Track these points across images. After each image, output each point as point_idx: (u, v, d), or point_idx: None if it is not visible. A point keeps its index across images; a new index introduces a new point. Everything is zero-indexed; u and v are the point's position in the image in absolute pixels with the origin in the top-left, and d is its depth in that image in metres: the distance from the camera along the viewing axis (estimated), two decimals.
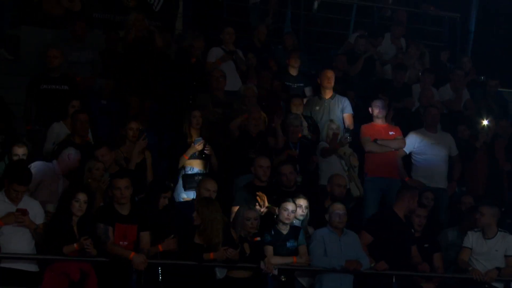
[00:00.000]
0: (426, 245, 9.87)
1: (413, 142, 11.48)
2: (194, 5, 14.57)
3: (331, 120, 11.50)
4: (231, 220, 9.23)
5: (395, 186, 10.88)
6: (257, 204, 9.52)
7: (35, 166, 9.20)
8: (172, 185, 9.44)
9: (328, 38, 15.55)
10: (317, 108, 12.00)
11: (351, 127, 11.79)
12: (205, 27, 13.71)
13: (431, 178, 11.30)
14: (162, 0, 14.03)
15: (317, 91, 12.33)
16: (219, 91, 11.67)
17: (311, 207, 9.70)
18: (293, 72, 12.81)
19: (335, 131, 11.15)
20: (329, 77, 12.08)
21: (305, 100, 12.13)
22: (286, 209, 9.21)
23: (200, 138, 10.43)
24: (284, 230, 9.24)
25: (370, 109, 11.68)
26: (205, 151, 10.43)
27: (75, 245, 8.39)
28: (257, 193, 9.61)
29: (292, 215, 9.25)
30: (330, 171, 10.77)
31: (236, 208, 9.37)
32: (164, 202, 9.09)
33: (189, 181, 10.36)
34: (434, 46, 15.16)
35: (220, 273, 8.91)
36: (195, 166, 10.45)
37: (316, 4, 15.63)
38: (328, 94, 12.07)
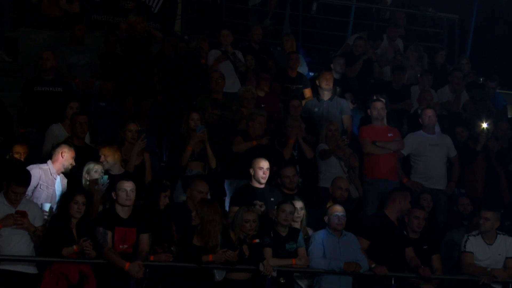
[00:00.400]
0: (425, 247, 9.85)
1: (411, 144, 11.48)
2: (193, 7, 14.58)
3: (330, 121, 11.51)
4: (230, 221, 9.23)
5: None
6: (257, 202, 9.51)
7: (30, 171, 9.09)
8: (169, 183, 9.39)
9: (327, 40, 15.56)
10: (316, 109, 12.01)
11: (350, 129, 11.77)
12: (204, 29, 13.72)
13: (430, 180, 11.30)
14: (160, 1, 14.04)
15: (316, 93, 12.35)
16: (217, 93, 11.66)
17: (311, 209, 9.69)
18: (292, 73, 12.82)
19: (334, 132, 11.16)
20: (328, 79, 12.11)
21: (303, 102, 12.14)
22: (284, 211, 9.19)
23: (202, 126, 10.30)
24: (283, 232, 9.23)
25: (368, 111, 11.68)
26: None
27: (74, 246, 8.39)
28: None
29: (290, 217, 9.23)
30: (330, 173, 10.79)
31: (235, 209, 9.37)
32: (165, 201, 9.07)
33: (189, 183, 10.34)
34: (432, 48, 15.17)
35: (219, 275, 8.89)
36: (194, 168, 10.43)
37: (315, 6, 15.64)
38: (326, 95, 12.09)
